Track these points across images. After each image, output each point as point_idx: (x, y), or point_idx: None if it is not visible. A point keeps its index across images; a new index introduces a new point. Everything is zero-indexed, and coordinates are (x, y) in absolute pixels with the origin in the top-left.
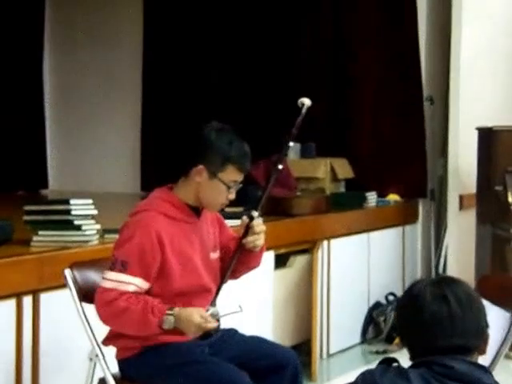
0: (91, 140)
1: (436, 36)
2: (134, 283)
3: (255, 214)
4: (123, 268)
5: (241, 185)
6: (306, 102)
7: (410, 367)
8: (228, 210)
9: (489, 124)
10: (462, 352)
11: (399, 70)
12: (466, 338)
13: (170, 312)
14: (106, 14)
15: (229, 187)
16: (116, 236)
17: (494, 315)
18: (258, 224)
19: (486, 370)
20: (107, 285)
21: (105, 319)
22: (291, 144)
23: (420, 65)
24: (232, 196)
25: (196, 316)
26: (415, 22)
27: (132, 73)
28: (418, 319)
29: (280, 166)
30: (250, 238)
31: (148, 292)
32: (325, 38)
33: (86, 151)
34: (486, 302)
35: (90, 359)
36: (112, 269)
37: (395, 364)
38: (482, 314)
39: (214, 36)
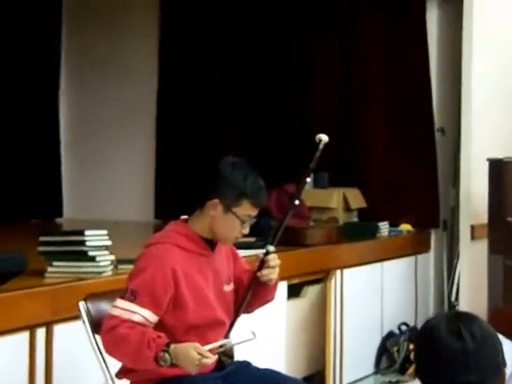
0: (106, 169)
1: (447, 66)
2: (140, 313)
3: (271, 248)
4: (132, 297)
5: (255, 219)
6: (324, 138)
7: None
8: (240, 240)
9: (500, 155)
10: None
11: (410, 100)
12: (481, 375)
13: (165, 348)
14: (121, 43)
15: (243, 222)
16: (130, 266)
17: (508, 349)
18: (273, 258)
19: None
20: (114, 312)
21: (105, 346)
22: (308, 179)
23: (431, 96)
24: (246, 231)
25: (192, 352)
26: (426, 52)
27: (147, 102)
28: (433, 355)
29: (297, 202)
30: (264, 272)
31: (162, 324)
32: (335, 71)
33: (101, 180)
34: (499, 336)
35: None
36: (122, 297)
37: None
38: (498, 351)
39: (229, 68)
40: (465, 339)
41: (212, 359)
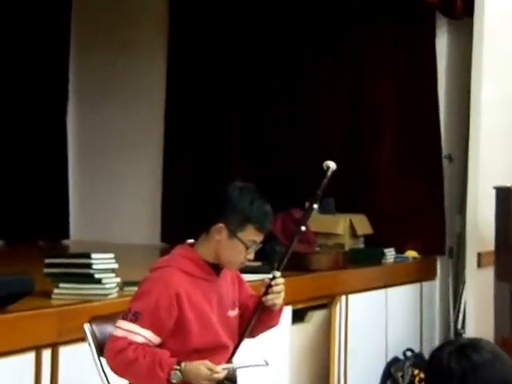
0: (113, 191)
1: (456, 92)
2: (142, 335)
3: (277, 273)
4: (134, 318)
5: (260, 245)
6: (332, 165)
7: None
8: (245, 264)
9: (507, 183)
10: None
11: (418, 127)
12: None
13: (177, 367)
14: (129, 61)
15: (248, 247)
16: (135, 288)
17: None
18: (279, 283)
19: None
20: (117, 333)
21: (114, 369)
22: (315, 206)
23: (439, 123)
24: (251, 256)
25: (203, 368)
26: (435, 79)
27: (154, 123)
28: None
29: (303, 228)
30: (269, 297)
31: (165, 348)
32: (345, 97)
33: (108, 202)
34: None
35: None
36: (124, 318)
37: None
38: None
39: (239, 90)
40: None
41: (222, 374)
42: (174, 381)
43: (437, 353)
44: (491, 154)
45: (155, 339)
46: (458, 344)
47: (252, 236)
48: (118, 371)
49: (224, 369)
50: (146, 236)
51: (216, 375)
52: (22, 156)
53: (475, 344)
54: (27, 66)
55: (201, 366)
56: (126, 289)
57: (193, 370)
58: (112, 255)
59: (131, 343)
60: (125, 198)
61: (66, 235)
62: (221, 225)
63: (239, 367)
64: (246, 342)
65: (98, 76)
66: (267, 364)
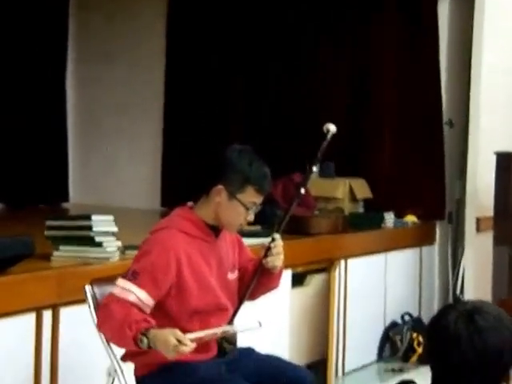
0: (113, 155)
1: (457, 58)
2: (136, 294)
3: (276, 236)
4: (133, 277)
5: (260, 206)
6: (332, 128)
7: None
8: (246, 228)
9: (508, 148)
10: (480, 381)
11: (419, 92)
12: (484, 357)
13: (144, 332)
14: (129, 28)
15: (247, 208)
16: (136, 252)
17: None
18: (278, 245)
19: None
20: (113, 290)
21: (97, 322)
22: (315, 169)
23: (440, 88)
24: (251, 218)
25: (171, 338)
26: (436, 44)
27: (154, 88)
28: (443, 337)
29: (303, 191)
30: (269, 259)
31: (166, 311)
32: (347, 63)
33: (108, 166)
34: None
35: (109, 374)
36: (123, 277)
37: None
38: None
39: (239, 54)
40: (477, 323)
41: (190, 347)
42: (141, 345)
43: (441, 318)
44: (492, 120)
45: (148, 300)
46: (462, 309)
47: (251, 197)
48: (98, 323)
49: (193, 340)
50: (146, 200)
51: (183, 348)
52: (22, 120)
53: (480, 308)
54: (26, 29)
55: (169, 336)
56: (128, 252)
57: (161, 338)
58: (112, 218)
59: (120, 300)
60: (125, 162)
61: (66, 199)
62: (220, 186)
63: (232, 332)
64: (246, 305)
65: (97, 43)
66: (260, 325)
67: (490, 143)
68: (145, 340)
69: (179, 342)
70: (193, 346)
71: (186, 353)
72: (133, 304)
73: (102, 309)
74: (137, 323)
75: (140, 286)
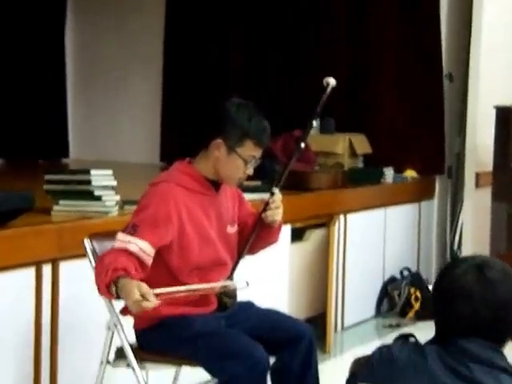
0: (112, 109)
1: (457, 13)
2: (137, 244)
3: (276, 190)
4: (133, 230)
5: (259, 160)
6: (331, 82)
7: (427, 343)
8: (245, 183)
9: (507, 103)
10: (486, 334)
11: (419, 46)
12: (497, 311)
13: (114, 280)
14: None
15: (246, 162)
16: (135, 207)
17: None
18: (278, 200)
19: (500, 352)
20: (115, 245)
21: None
22: (314, 123)
23: (441, 42)
24: (250, 171)
25: (135, 292)
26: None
27: (154, 41)
28: (450, 289)
29: (302, 145)
30: (268, 213)
31: (167, 266)
32: (347, 17)
33: (107, 121)
34: None
35: (108, 328)
36: (123, 231)
37: (412, 339)
38: None
39: (239, 8)
40: (479, 277)
41: (152, 304)
42: (112, 292)
43: (449, 270)
44: (492, 74)
45: (149, 249)
46: (472, 262)
47: (251, 151)
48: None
49: (159, 295)
50: (146, 155)
51: (146, 303)
52: (22, 77)
53: (487, 262)
54: None
55: (134, 288)
56: (126, 207)
57: (126, 289)
58: (111, 172)
59: (116, 250)
60: (124, 117)
61: (66, 154)
62: (219, 140)
63: (232, 286)
64: (246, 261)
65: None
66: (248, 285)
67: (490, 97)
68: (113, 288)
69: (143, 297)
70: (156, 302)
71: (148, 309)
72: (132, 254)
73: (98, 262)
74: (114, 271)
75: (140, 236)
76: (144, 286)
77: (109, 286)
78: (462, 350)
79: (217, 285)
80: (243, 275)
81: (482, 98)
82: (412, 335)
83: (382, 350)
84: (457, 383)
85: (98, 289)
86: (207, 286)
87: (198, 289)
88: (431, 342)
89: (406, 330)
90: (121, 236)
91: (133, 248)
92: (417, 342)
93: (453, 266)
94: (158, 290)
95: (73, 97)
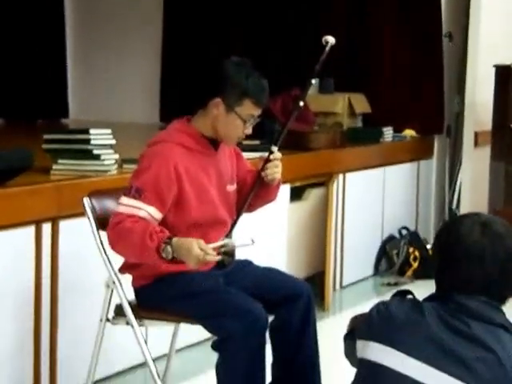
0: (111, 70)
1: None
2: (145, 210)
3: (274, 148)
4: (137, 195)
5: (258, 119)
6: (331, 40)
7: (425, 300)
8: (245, 142)
9: (507, 61)
10: (489, 292)
11: (419, 5)
12: (499, 267)
13: (167, 240)
14: None
15: (245, 121)
16: (134, 166)
17: None
18: (277, 158)
19: (498, 309)
20: (120, 209)
21: (110, 241)
22: (313, 81)
23: (440, 1)
24: (248, 131)
25: (195, 247)
26: None
27: (154, 2)
28: (452, 245)
29: (301, 103)
30: (268, 171)
31: (164, 222)
32: None
33: (106, 81)
34: None
35: (107, 286)
36: (126, 194)
37: (410, 296)
38: None
39: None
40: (485, 232)
41: (214, 258)
42: (163, 255)
43: (452, 228)
44: (492, 32)
45: (157, 214)
46: (475, 219)
47: (249, 110)
48: (113, 242)
49: (214, 249)
50: (145, 115)
51: (208, 257)
52: (22, 35)
53: (489, 217)
54: None
55: (194, 244)
56: (125, 166)
57: (185, 245)
58: (110, 131)
59: (131, 216)
60: (124, 77)
61: (65, 114)
62: (218, 99)
63: (231, 244)
64: (245, 219)
65: None
66: (253, 243)
67: (490, 57)
68: (169, 248)
69: (203, 252)
70: (217, 257)
71: (210, 261)
72: (144, 219)
73: (114, 228)
74: (157, 233)
75: (147, 202)
76: (202, 242)
77: (159, 248)
78: (461, 307)
79: (226, 241)
80: (243, 234)
81: (482, 57)
82: (410, 292)
83: (379, 307)
84: (454, 339)
85: (142, 256)
86: (219, 243)
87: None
88: (429, 298)
89: (404, 288)
90: (125, 200)
91: (142, 214)
92: (414, 298)
93: (456, 222)
94: (212, 245)
95: (72, 57)
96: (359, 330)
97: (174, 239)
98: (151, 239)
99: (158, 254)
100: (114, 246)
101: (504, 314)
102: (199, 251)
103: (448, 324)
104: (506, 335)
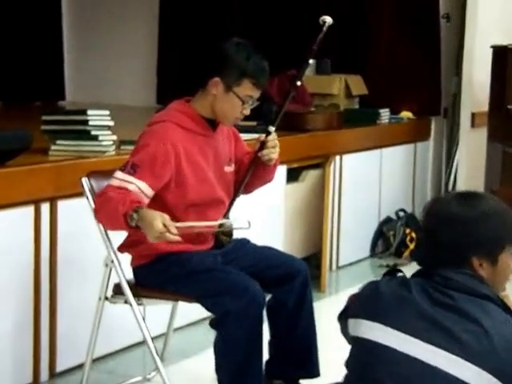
0: (108, 52)
1: None
2: (136, 184)
3: (272, 129)
4: (132, 170)
5: (257, 102)
6: (328, 19)
7: (412, 276)
8: (242, 123)
9: (504, 42)
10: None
11: None
12: (480, 244)
13: (136, 209)
14: None
15: (243, 102)
16: (132, 147)
17: None
18: (274, 138)
19: (483, 282)
20: (112, 182)
21: (95, 210)
22: (310, 61)
23: None
24: (246, 111)
25: (158, 222)
26: None
27: None
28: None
29: (298, 83)
30: (265, 152)
31: (162, 202)
32: None
33: (103, 63)
34: None
35: (106, 265)
36: (122, 170)
37: (400, 274)
38: (504, 226)
39: None
40: (470, 207)
41: (174, 238)
42: (129, 220)
43: (434, 203)
44: (489, 14)
45: (148, 190)
46: (455, 193)
47: (248, 91)
48: (96, 211)
49: (179, 229)
50: (142, 98)
51: (168, 235)
52: (18, 18)
53: (471, 191)
54: None
55: (157, 218)
56: (123, 147)
57: (148, 217)
58: (107, 112)
59: (119, 187)
60: (121, 59)
61: (62, 97)
62: (217, 79)
63: (228, 224)
64: (243, 201)
65: None
66: (249, 226)
67: (487, 38)
68: (134, 216)
69: (165, 228)
70: (177, 236)
71: (169, 240)
72: (131, 192)
73: (99, 196)
74: (131, 202)
75: (139, 177)
76: (167, 218)
77: (126, 215)
78: (446, 280)
79: (224, 222)
80: (241, 215)
81: (479, 38)
82: (400, 270)
83: (370, 286)
84: (440, 312)
85: (112, 222)
86: (214, 223)
87: (213, 225)
88: (416, 274)
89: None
90: (120, 175)
91: (131, 188)
92: (404, 276)
93: (439, 197)
94: (179, 224)
95: (69, 39)
96: (350, 308)
97: (143, 209)
98: (123, 205)
99: (125, 219)
100: (96, 214)
101: (488, 285)
102: (161, 226)
103: (433, 298)
104: (491, 305)
